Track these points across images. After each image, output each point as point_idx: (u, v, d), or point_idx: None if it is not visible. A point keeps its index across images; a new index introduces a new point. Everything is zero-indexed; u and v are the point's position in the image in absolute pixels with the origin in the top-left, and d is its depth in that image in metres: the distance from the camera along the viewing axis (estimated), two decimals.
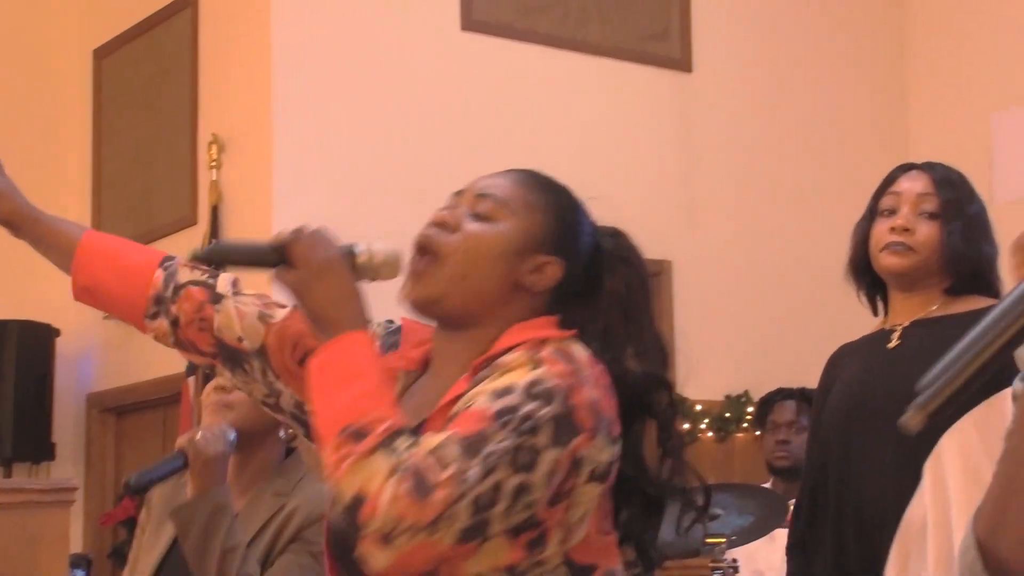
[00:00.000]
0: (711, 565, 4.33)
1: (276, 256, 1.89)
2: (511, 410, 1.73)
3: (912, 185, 2.95)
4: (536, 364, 1.79)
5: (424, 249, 1.92)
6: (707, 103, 7.04)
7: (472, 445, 1.69)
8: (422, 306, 1.94)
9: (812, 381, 3.24)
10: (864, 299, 3.06)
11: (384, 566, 1.68)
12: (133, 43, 6.93)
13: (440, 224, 1.93)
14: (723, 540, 4.34)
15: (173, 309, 2.09)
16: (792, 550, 3.05)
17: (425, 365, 2.01)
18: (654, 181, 6.80)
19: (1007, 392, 1.82)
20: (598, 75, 6.77)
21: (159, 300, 2.10)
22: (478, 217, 1.92)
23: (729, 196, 7.01)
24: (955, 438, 2.38)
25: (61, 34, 7.26)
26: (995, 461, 1.31)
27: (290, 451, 3.04)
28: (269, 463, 3.00)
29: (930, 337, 2.84)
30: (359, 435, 1.71)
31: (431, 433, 1.74)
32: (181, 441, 2.93)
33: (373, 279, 1.94)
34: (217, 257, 1.98)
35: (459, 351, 1.92)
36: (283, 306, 2.08)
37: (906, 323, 2.92)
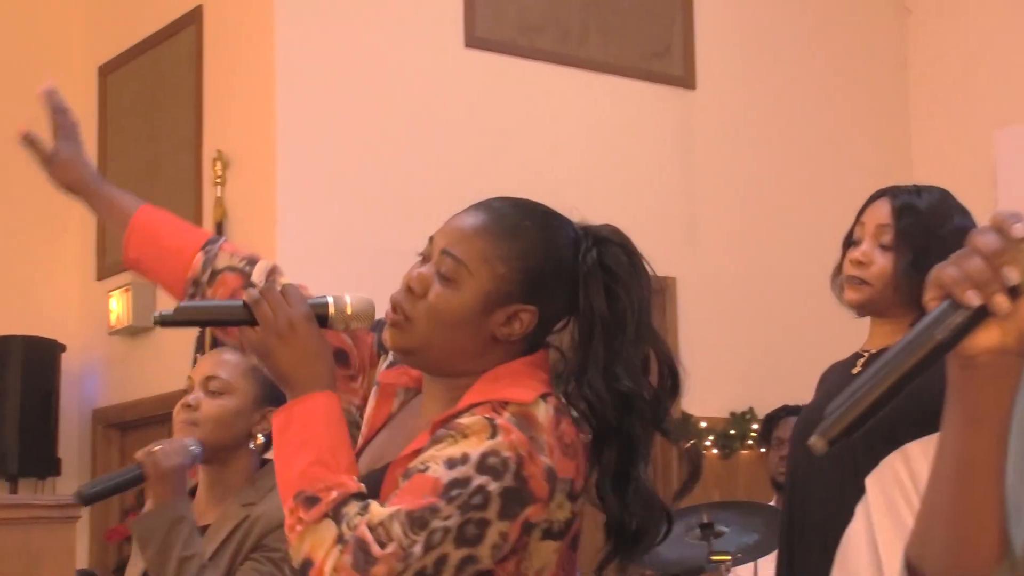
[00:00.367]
0: None
1: (245, 313, 1.91)
2: (462, 483, 1.75)
3: (874, 215, 2.90)
4: (493, 432, 1.79)
5: (396, 309, 1.94)
6: (710, 120, 7.04)
7: (418, 520, 1.73)
8: (401, 354, 1.98)
9: None
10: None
11: None
12: (138, 60, 6.93)
13: (408, 290, 1.93)
14: (728, 557, 4.35)
15: (208, 293, 2.15)
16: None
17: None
18: (657, 198, 6.80)
19: None
20: (601, 92, 6.77)
21: (196, 283, 2.17)
22: (442, 278, 1.91)
23: (732, 213, 7.01)
24: (899, 459, 2.43)
25: (66, 50, 7.27)
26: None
27: (265, 462, 3.05)
28: (240, 475, 3.01)
29: None
30: (311, 501, 1.77)
31: (377, 504, 1.77)
32: (139, 454, 2.96)
33: (345, 329, 1.98)
34: (183, 317, 1.98)
35: (440, 392, 1.95)
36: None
37: (874, 350, 2.92)
